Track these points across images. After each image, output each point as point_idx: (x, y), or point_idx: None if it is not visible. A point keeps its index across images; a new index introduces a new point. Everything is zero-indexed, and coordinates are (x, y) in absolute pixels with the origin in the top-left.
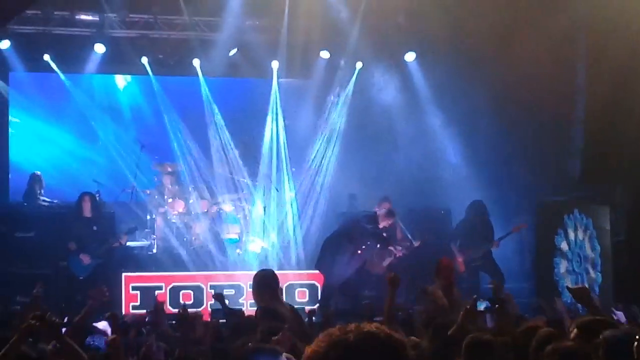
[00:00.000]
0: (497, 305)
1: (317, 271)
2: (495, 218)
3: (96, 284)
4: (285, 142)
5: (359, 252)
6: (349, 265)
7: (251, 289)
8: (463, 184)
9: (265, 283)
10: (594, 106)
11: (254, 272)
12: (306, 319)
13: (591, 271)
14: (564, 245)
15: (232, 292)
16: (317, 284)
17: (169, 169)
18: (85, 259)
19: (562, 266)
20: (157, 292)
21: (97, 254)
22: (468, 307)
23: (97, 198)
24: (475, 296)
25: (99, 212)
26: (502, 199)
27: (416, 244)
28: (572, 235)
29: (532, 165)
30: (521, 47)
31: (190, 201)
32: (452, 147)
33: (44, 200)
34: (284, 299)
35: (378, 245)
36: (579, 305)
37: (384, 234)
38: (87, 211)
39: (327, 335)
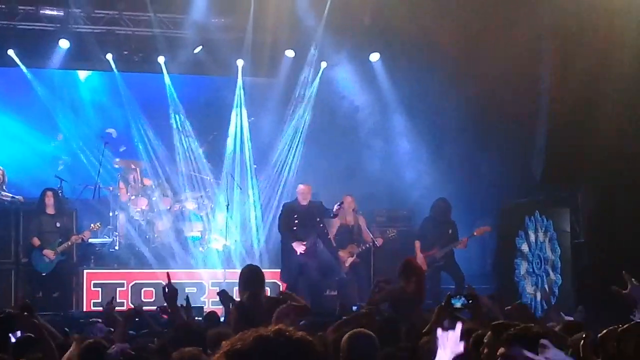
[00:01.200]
0: (471, 301)
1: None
2: (459, 219)
3: (59, 280)
4: (250, 140)
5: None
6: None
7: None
8: (427, 184)
9: (247, 279)
10: (557, 108)
11: (217, 270)
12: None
13: (551, 273)
14: (524, 247)
15: (194, 289)
16: (278, 282)
17: (132, 166)
18: (49, 255)
19: (523, 268)
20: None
21: (60, 251)
22: (442, 304)
23: (60, 194)
24: (449, 293)
25: (62, 208)
26: (466, 200)
27: (378, 242)
28: (532, 237)
29: (496, 166)
30: (485, 49)
31: (153, 198)
32: (417, 147)
33: (5, 196)
34: None
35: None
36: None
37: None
38: (51, 207)
39: (246, 335)
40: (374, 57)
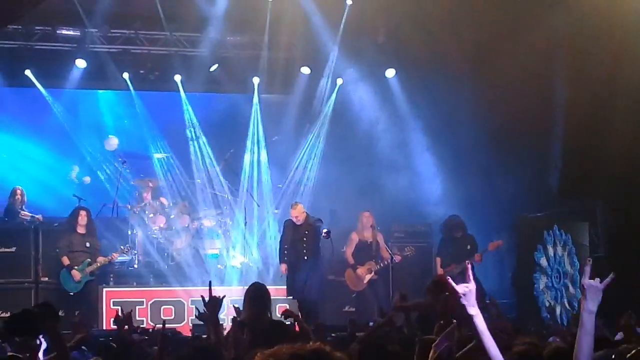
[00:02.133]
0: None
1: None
2: (476, 233)
3: (85, 299)
4: (267, 157)
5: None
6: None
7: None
8: (444, 200)
9: (252, 296)
10: (573, 121)
11: (235, 287)
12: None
13: (570, 287)
14: (543, 261)
15: None
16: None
17: (150, 185)
18: (76, 276)
19: (542, 282)
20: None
21: (88, 272)
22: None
23: (89, 214)
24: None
25: (92, 228)
26: (483, 215)
27: (397, 259)
28: (551, 251)
29: (512, 180)
30: (500, 63)
31: (172, 216)
32: (433, 161)
33: (24, 215)
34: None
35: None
36: (562, 319)
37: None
38: (82, 227)
39: (281, 351)
40: (390, 73)
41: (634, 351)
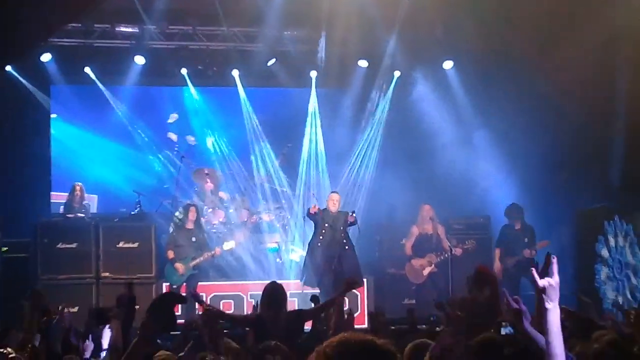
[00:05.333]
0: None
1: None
2: (535, 226)
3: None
4: (324, 151)
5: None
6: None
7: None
8: (502, 191)
9: (269, 296)
10: (634, 112)
11: (294, 281)
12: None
13: (632, 278)
14: (604, 252)
15: None
16: (356, 292)
17: (207, 173)
18: (179, 268)
19: (603, 273)
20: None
21: (192, 265)
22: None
23: (198, 210)
24: (499, 320)
25: (200, 223)
26: (542, 206)
27: (457, 252)
28: (612, 242)
29: (572, 172)
30: (560, 55)
31: (230, 211)
32: (491, 154)
33: (85, 212)
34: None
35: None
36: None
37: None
38: (191, 222)
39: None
40: (447, 64)
41: None
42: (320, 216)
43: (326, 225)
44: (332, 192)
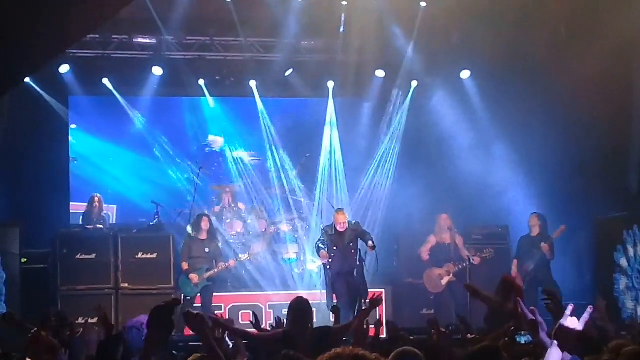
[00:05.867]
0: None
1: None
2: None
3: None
4: (342, 161)
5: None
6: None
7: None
8: (520, 200)
9: (296, 311)
10: None
11: (313, 292)
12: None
13: None
14: (623, 262)
15: None
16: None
17: (227, 190)
18: (194, 279)
19: (622, 283)
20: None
21: (206, 277)
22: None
23: (211, 220)
24: (512, 327)
25: (213, 234)
26: (560, 215)
27: (475, 261)
28: (631, 252)
29: (590, 181)
30: (576, 61)
31: (248, 221)
32: (509, 163)
33: (104, 223)
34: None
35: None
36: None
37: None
38: (204, 233)
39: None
40: (465, 74)
41: None
42: (329, 239)
43: (334, 248)
44: (337, 211)
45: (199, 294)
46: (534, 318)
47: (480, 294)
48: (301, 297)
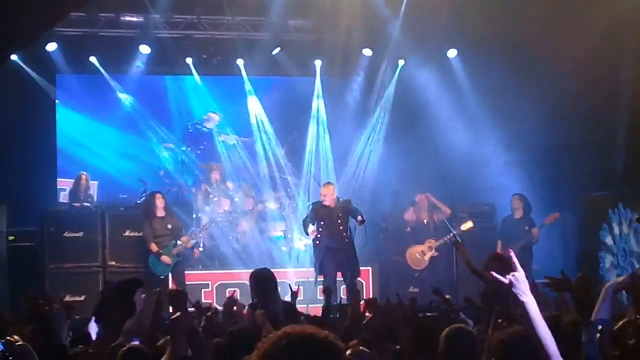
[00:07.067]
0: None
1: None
2: (540, 213)
3: (176, 280)
4: (329, 140)
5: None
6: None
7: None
8: (506, 180)
9: (260, 281)
10: (637, 100)
11: (301, 269)
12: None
13: (636, 265)
14: (608, 240)
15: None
16: (361, 280)
17: (214, 168)
18: (166, 261)
19: (607, 261)
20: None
21: (175, 253)
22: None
23: (165, 196)
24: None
25: (170, 209)
26: (546, 194)
27: (458, 230)
28: (617, 230)
29: (576, 160)
30: (564, 43)
31: (236, 199)
32: (495, 143)
33: (90, 201)
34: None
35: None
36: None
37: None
38: (161, 210)
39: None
40: (452, 53)
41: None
42: (317, 214)
43: (322, 222)
44: (324, 185)
45: (170, 273)
46: (506, 282)
47: (478, 272)
48: (262, 269)
